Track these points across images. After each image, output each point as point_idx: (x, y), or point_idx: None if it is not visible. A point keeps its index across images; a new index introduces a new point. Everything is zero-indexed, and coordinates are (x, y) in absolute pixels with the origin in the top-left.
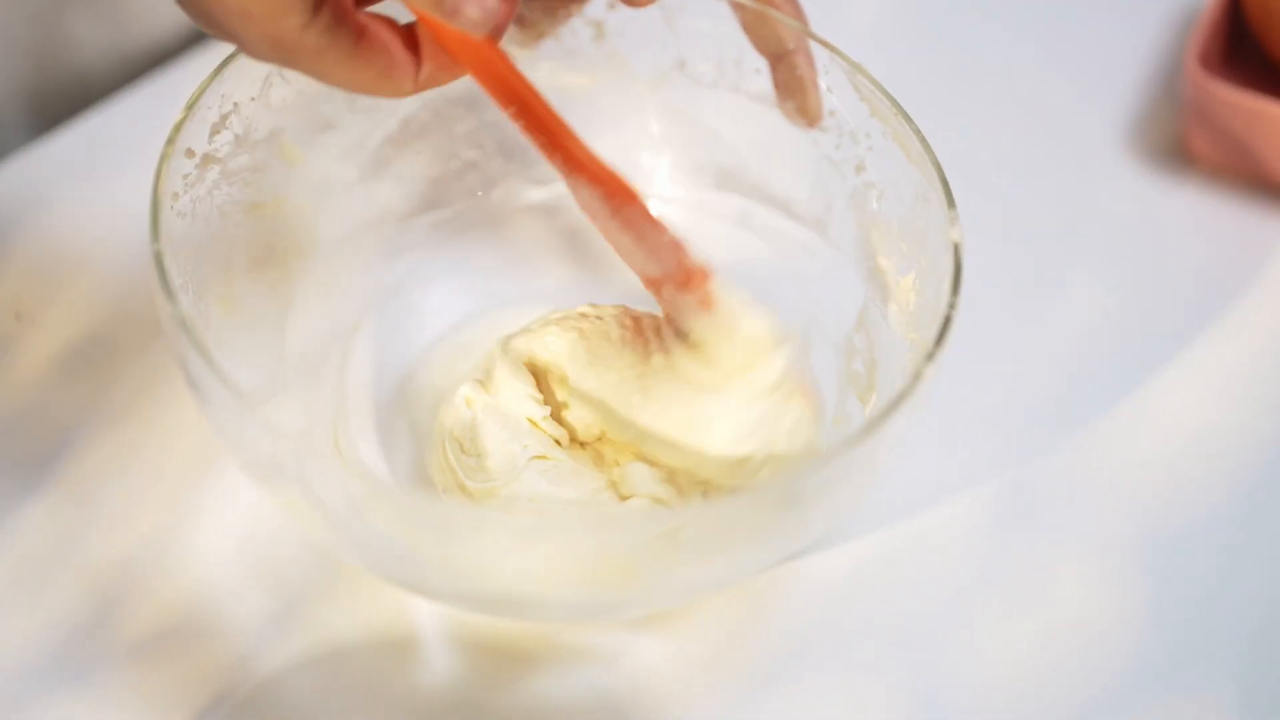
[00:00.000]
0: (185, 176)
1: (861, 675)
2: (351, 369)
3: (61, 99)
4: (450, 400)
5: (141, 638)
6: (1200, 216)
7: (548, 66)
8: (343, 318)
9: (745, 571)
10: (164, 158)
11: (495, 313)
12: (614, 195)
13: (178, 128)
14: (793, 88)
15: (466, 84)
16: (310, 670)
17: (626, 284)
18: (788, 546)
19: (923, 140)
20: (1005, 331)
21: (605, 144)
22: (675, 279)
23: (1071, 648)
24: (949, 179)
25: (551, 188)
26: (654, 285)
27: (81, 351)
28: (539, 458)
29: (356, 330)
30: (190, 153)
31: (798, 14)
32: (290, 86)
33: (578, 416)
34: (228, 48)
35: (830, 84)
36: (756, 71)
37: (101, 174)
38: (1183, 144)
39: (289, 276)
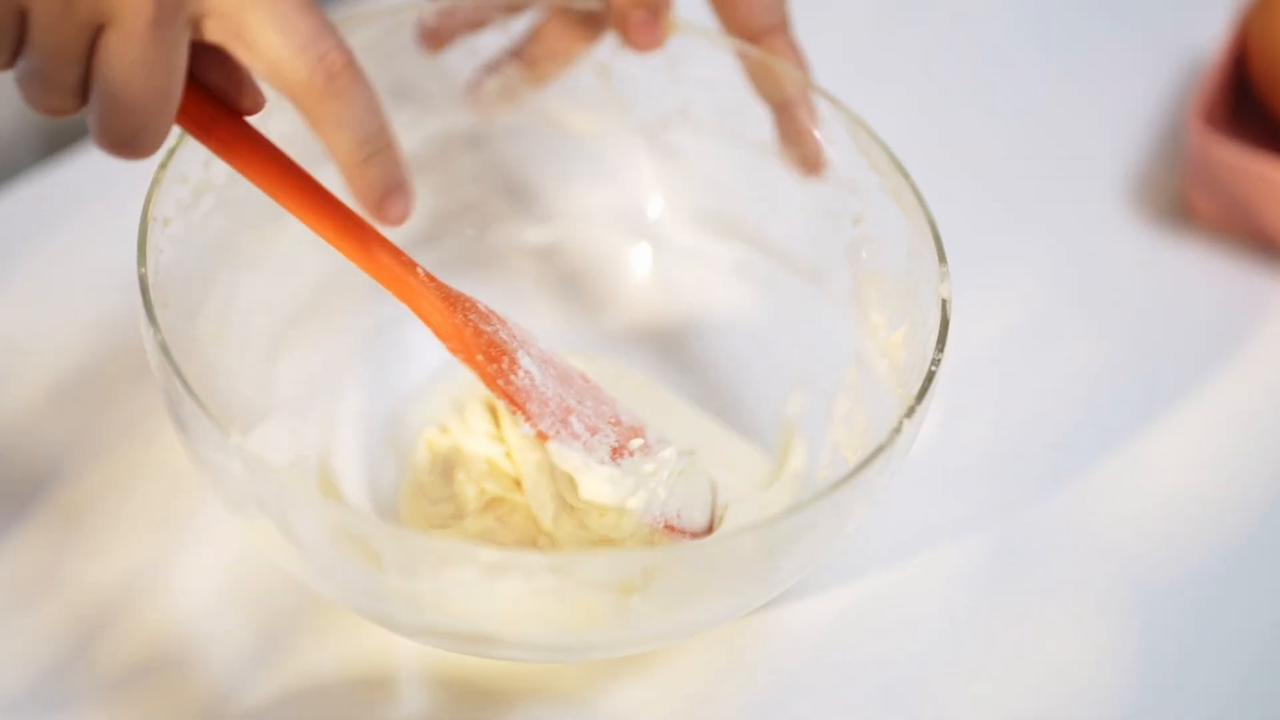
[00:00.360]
0: (178, 202)
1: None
2: (342, 403)
3: (74, 126)
4: (416, 443)
5: (122, 670)
6: (1199, 274)
7: (552, 107)
8: (335, 350)
9: (713, 619)
10: (156, 181)
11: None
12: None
13: (172, 152)
14: (795, 137)
15: (469, 121)
16: (290, 706)
17: (617, 328)
18: (758, 594)
19: (917, 194)
20: (1000, 382)
21: (605, 186)
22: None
23: (1054, 701)
24: (947, 231)
25: (549, 228)
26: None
27: (73, 382)
28: (495, 500)
29: (348, 364)
30: (185, 179)
31: (800, 64)
32: (288, 117)
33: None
34: None
35: (830, 136)
36: (758, 120)
37: (101, 203)
38: (1184, 201)
39: (282, 307)
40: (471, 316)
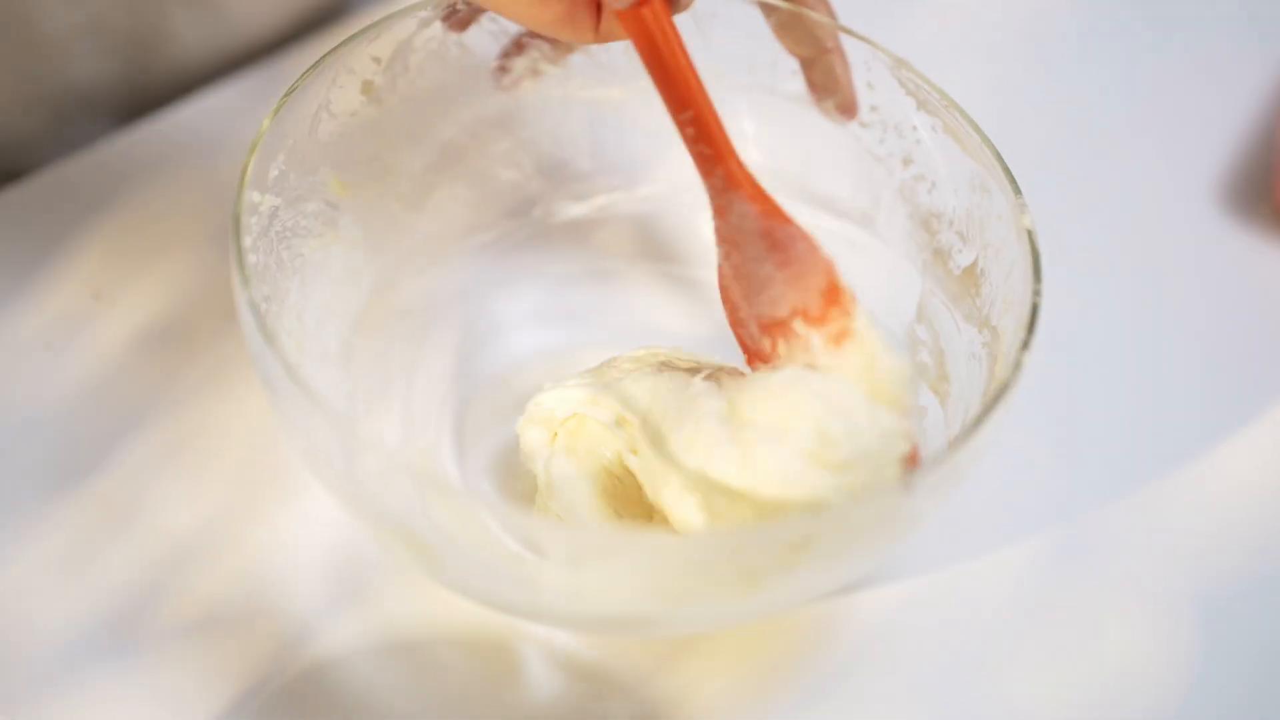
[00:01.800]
0: (254, 221)
1: (902, 711)
2: (415, 391)
3: (156, 90)
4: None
5: (191, 619)
6: None
7: (579, 80)
8: (402, 343)
9: (857, 575)
10: (238, 203)
11: (550, 331)
12: (770, 213)
13: (244, 173)
14: (829, 85)
15: (501, 104)
16: (357, 661)
17: (672, 298)
18: (898, 544)
19: (978, 130)
20: (1077, 377)
21: (640, 153)
22: (814, 309)
23: (1117, 701)
24: (1036, 220)
25: (589, 203)
26: (773, 332)
27: (156, 334)
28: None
29: (415, 361)
30: (257, 197)
31: (829, 11)
32: (336, 121)
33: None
34: (320, 41)
35: (871, 79)
36: (791, 73)
37: (186, 163)
38: (1273, 200)
39: (348, 308)
40: None
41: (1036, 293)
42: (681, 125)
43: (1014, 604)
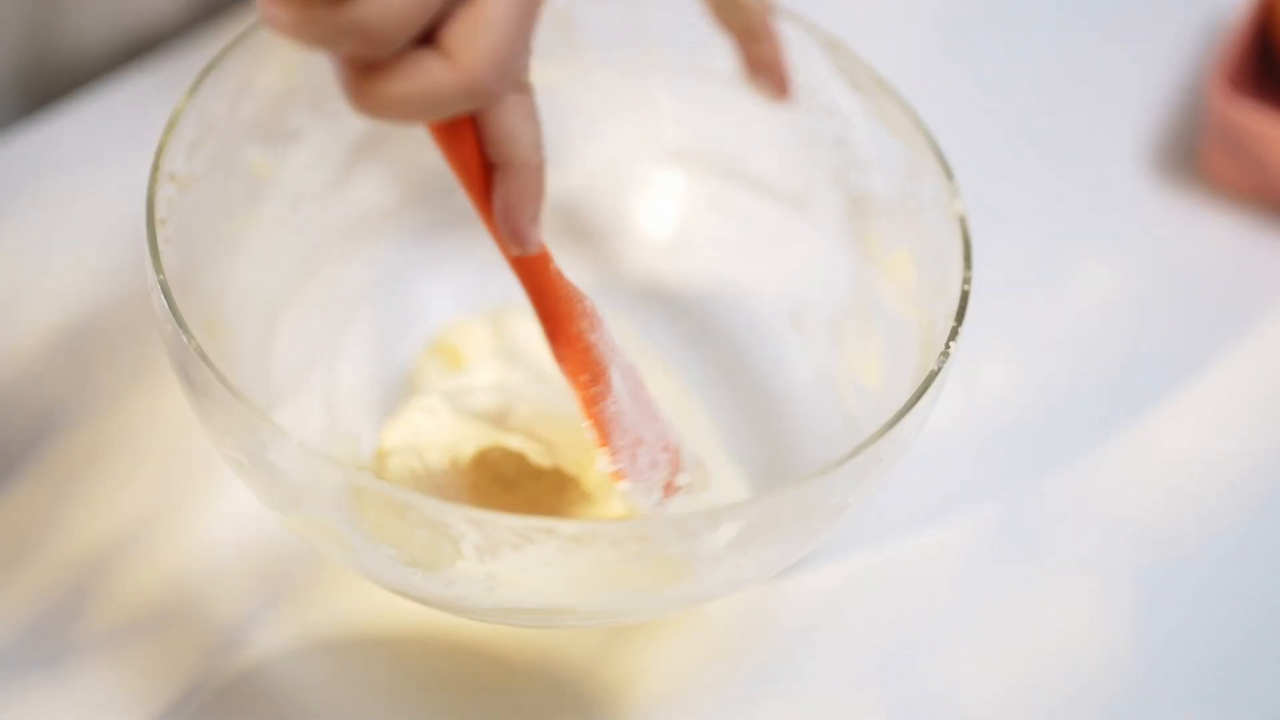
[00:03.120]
0: (169, 201)
1: (844, 694)
2: (340, 377)
3: (57, 78)
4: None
5: (118, 624)
6: (1215, 239)
7: None
8: (325, 325)
9: (778, 565)
10: (152, 182)
11: (475, 311)
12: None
13: (160, 152)
14: (761, 64)
15: None
16: (290, 663)
17: (603, 278)
18: (819, 536)
19: (911, 113)
20: (1005, 347)
21: (574, 134)
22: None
23: (1061, 674)
24: (960, 182)
25: None
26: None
27: (67, 334)
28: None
29: (338, 344)
30: (173, 177)
31: None
32: (258, 101)
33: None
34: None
35: (806, 61)
36: (724, 53)
37: (94, 157)
38: (1203, 164)
39: (270, 290)
40: (582, 325)
41: (966, 280)
42: (583, 389)
43: (954, 581)
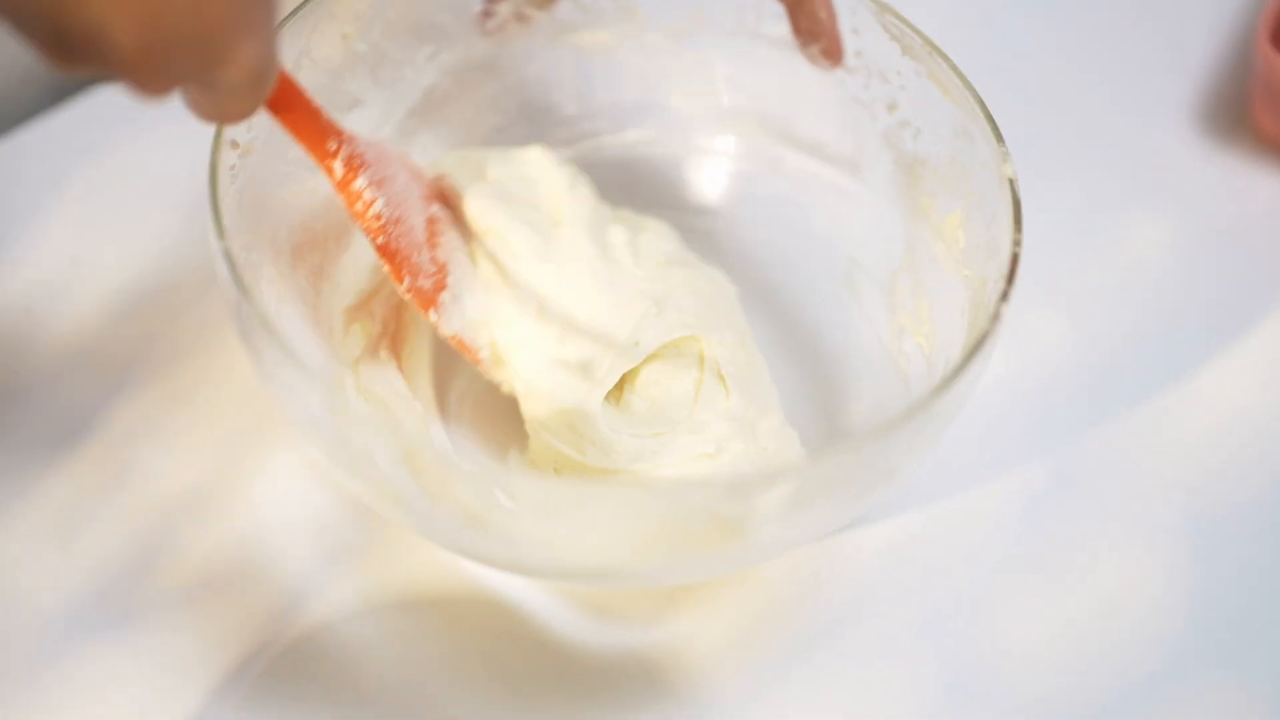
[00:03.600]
0: (231, 168)
1: (897, 651)
2: (399, 339)
3: None
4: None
5: (184, 585)
6: (1263, 195)
7: (563, 26)
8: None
9: (829, 528)
10: (216, 149)
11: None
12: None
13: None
14: (813, 30)
15: (486, 49)
16: (354, 622)
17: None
18: (872, 499)
19: (961, 77)
20: (1055, 303)
21: (627, 98)
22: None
23: (1110, 630)
24: (1010, 142)
25: (575, 148)
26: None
27: (136, 296)
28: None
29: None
30: (234, 144)
31: None
32: (317, 67)
33: None
34: None
35: (856, 25)
36: (776, 17)
37: (154, 123)
38: (1250, 121)
39: (329, 257)
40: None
41: (1016, 243)
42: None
43: (1005, 539)
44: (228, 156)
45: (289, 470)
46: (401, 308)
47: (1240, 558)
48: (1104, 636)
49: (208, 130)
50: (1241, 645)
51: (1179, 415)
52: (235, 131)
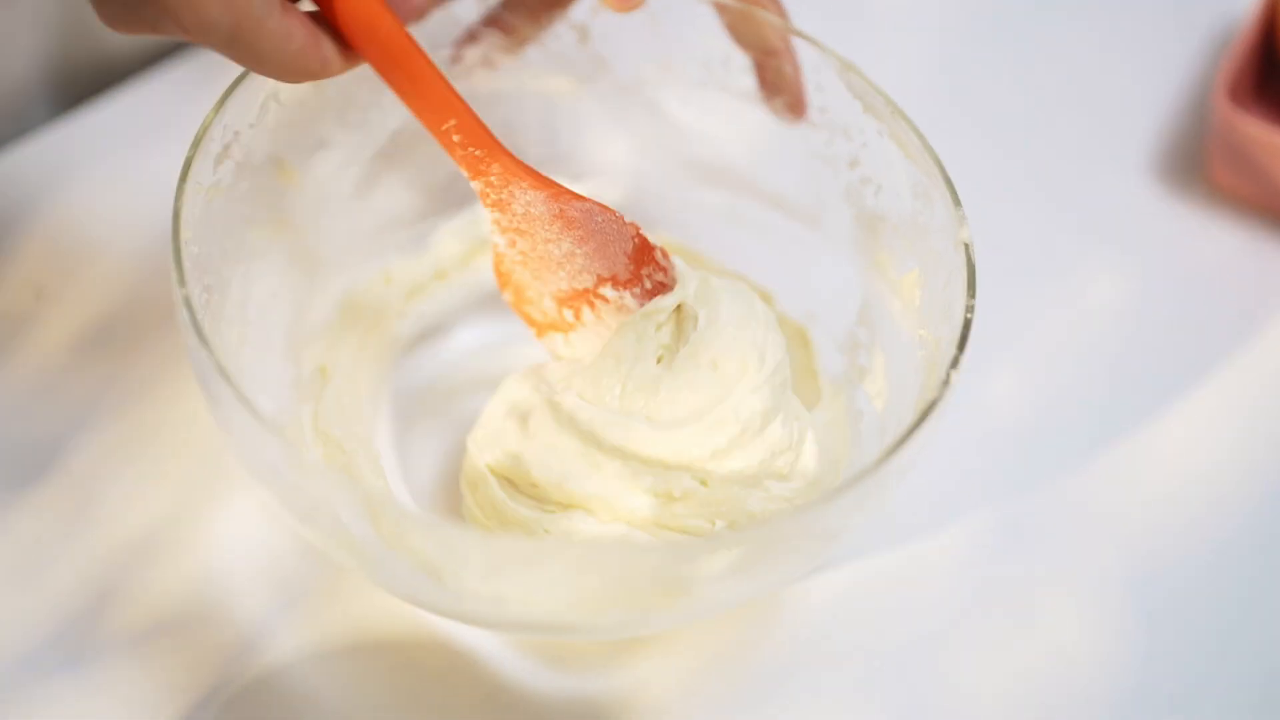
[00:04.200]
0: (195, 212)
1: (848, 697)
2: (359, 382)
3: (86, 77)
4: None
5: (141, 626)
6: (1220, 248)
7: (531, 71)
8: (348, 333)
9: (779, 584)
10: (179, 196)
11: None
12: (559, 195)
13: (188, 165)
14: (778, 84)
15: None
16: (307, 666)
17: None
18: (821, 557)
19: (922, 138)
20: (1011, 353)
21: (592, 146)
22: (623, 272)
23: (1059, 679)
24: (966, 195)
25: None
26: (575, 303)
27: (99, 332)
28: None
29: (362, 344)
30: (198, 187)
31: (780, 11)
32: (285, 110)
33: None
34: None
35: (820, 81)
36: (742, 70)
37: (123, 155)
38: (1207, 174)
39: (297, 293)
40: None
41: (969, 309)
42: (445, 135)
43: (957, 585)
44: (191, 202)
45: (246, 513)
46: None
47: (1190, 609)
48: (1052, 684)
49: (175, 158)
50: (1190, 696)
51: (1132, 467)
52: (201, 175)
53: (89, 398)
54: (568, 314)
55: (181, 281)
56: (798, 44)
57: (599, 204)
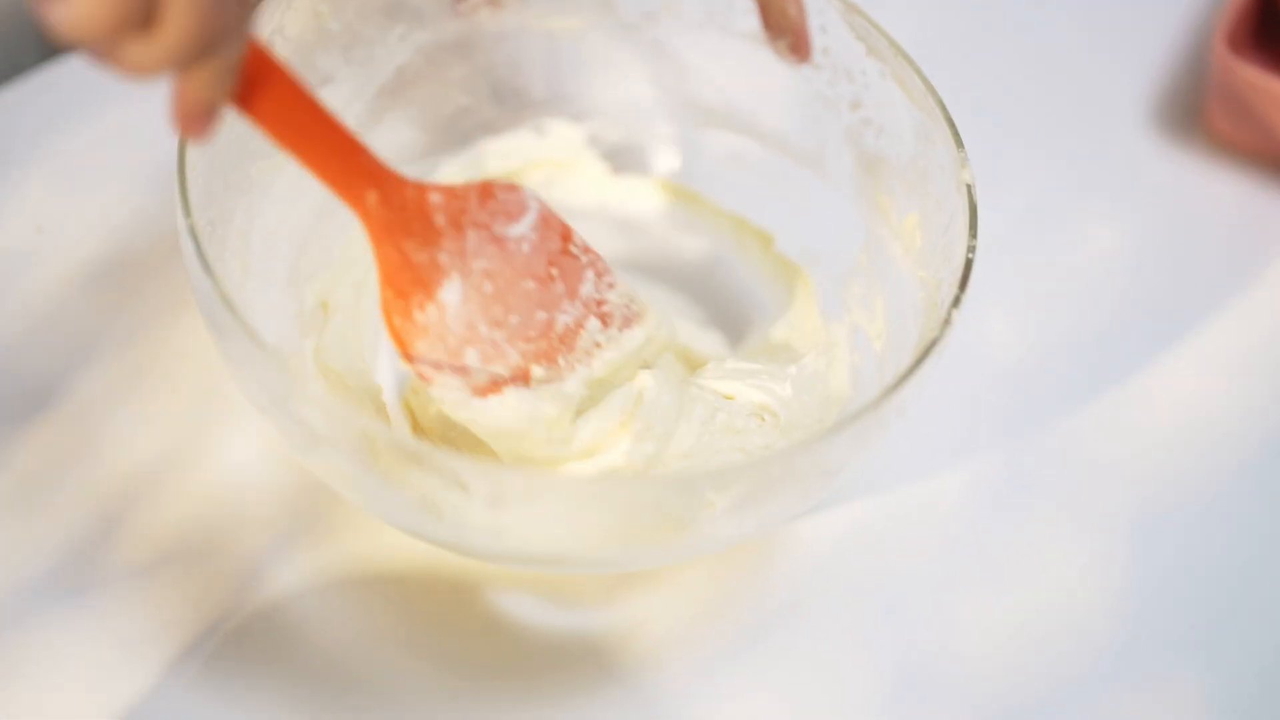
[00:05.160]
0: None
1: (846, 638)
2: (361, 313)
3: None
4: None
5: (143, 559)
6: (1217, 195)
7: (536, 9)
8: (351, 269)
9: (775, 523)
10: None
11: None
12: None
13: None
14: (782, 25)
15: (458, 30)
16: (308, 599)
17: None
18: (818, 495)
19: (925, 80)
20: (1008, 300)
21: (595, 86)
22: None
23: (1056, 623)
24: (968, 139)
25: (541, 131)
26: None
27: (101, 266)
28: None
29: (360, 285)
30: None
31: None
32: (290, 44)
33: None
34: None
35: (824, 23)
36: (746, 11)
37: (120, 92)
38: (1206, 122)
39: (295, 231)
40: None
41: (971, 249)
42: (358, 205)
43: (954, 528)
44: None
45: (249, 445)
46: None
47: (1189, 553)
48: (1053, 627)
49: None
50: (1189, 639)
51: (1131, 413)
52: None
53: (91, 331)
54: (523, 361)
55: (187, 212)
56: None
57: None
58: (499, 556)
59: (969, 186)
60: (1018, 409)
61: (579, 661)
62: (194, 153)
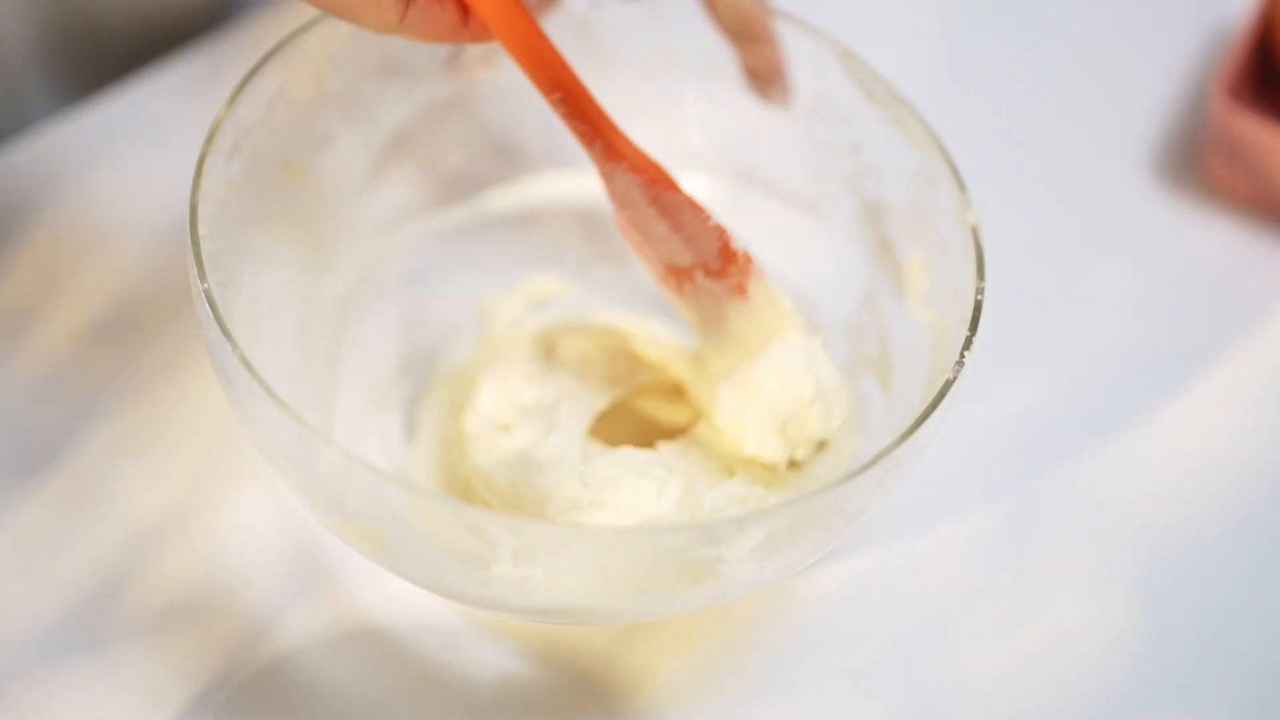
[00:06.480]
0: (209, 209)
1: (855, 686)
2: (369, 373)
3: (83, 66)
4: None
5: (152, 613)
6: (1215, 245)
7: None
8: (352, 333)
9: (794, 568)
10: (195, 192)
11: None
12: (655, 182)
13: (202, 161)
14: (760, 69)
15: (453, 89)
16: (317, 651)
17: (616, 278)
18: (837, 539)
19: (923, 123)
20: (1012, 351)
21: None
22: (712, 264)
23: (1064, 668)
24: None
25: (540, 185)
26: (677, 276)
27: (108, 323)
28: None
29: (366, 345)
30: (213, 182)
31: None
32: (291, 107)
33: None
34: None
35: (821, 69)
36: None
37: (132, 148)
38: (1205, 172)
39: (300, 295)
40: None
41: (980, 291)
42: (553, 105)
43: (961, 578)
44: (207, 199)
45: (258, 498)
46: None
47: (1196, 599)
48: (1058, 674)
49: (187, 154)
50: (1191, 684)
51: (1134, 460)
52: (214, 172)
53: (98, 388)
54: (671, 281)
55: (202, 276)
56: (798, 32)
57: (691, 200)
58: (521, 609)
59: (974, 228)
60: (1020, 457)
61: (587, 711)
62: (205, 216)
